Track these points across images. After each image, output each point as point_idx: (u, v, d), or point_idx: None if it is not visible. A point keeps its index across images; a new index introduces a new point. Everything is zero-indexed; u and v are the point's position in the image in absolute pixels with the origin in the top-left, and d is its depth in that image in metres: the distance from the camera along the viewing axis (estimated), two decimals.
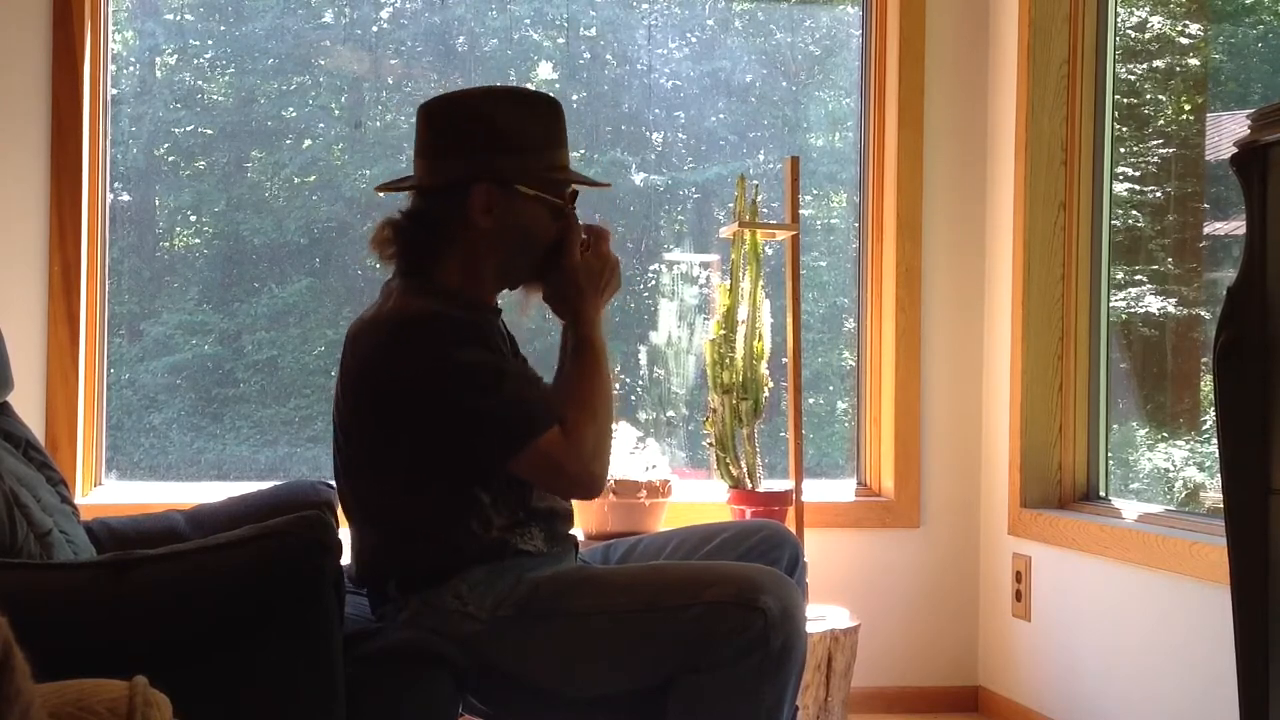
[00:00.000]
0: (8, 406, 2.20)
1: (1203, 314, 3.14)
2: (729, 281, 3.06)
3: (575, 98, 3.78)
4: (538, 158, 1.98)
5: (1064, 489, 3.22)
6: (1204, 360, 3.10)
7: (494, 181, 1.95)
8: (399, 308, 1.94)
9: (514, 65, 3.74)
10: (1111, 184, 3.22)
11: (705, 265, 3.64)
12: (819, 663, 2.81)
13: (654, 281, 3.68)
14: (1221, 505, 1.66)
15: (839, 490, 3.50)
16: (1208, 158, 3.19)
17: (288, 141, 3.70)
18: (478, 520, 1.91)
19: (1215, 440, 1.64)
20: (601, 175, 3.48)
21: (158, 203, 3.63)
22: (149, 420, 3.50)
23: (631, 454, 2.98)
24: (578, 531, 2.37)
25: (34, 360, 3.10)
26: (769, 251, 3.23)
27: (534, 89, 2.07)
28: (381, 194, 2.11)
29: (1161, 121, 3.37)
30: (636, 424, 3.34)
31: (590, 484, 1.92)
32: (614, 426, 2.01)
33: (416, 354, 1.86)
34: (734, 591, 1.79)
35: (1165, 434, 3.29)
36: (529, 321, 2.24)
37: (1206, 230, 3.22)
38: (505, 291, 2.09)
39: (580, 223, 2.03)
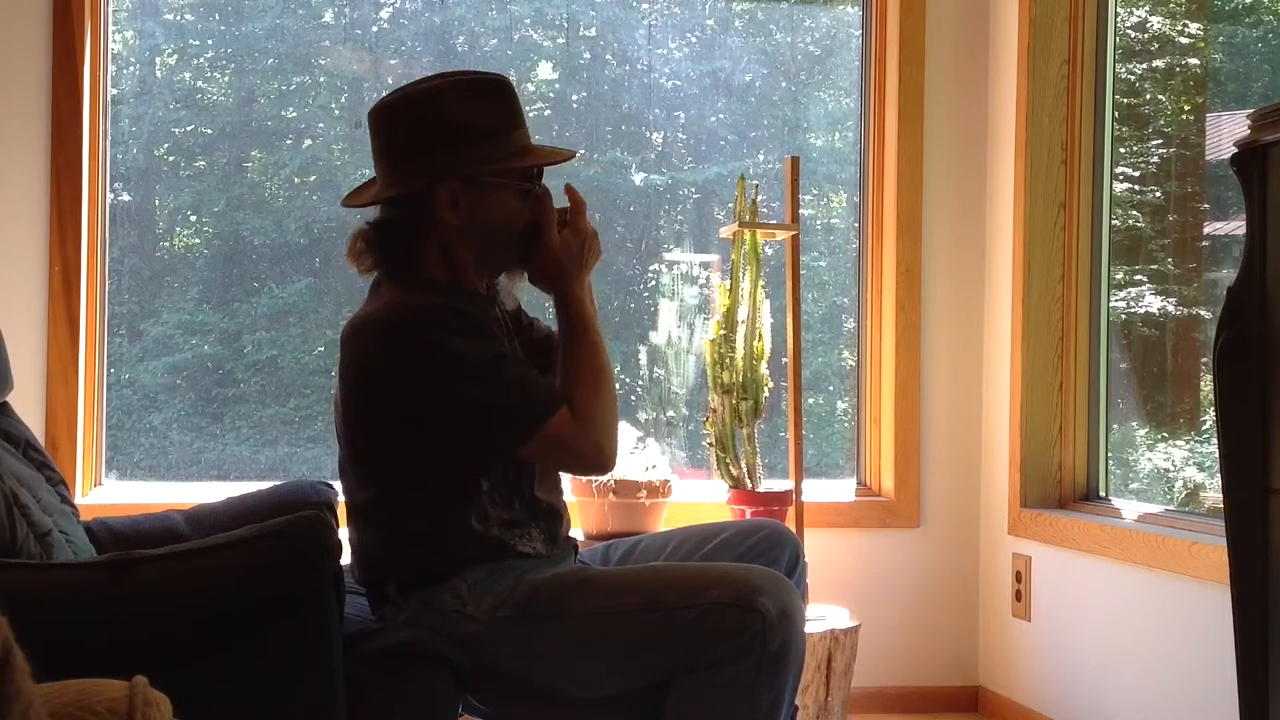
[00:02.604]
0: (8, 406, 2.20)
1: (1203, 314, 3.14)
2: (729, 281, 3.06)
3: (575, 98, 3.79)
4: (495, 144, 1.96)
5: (1064, 489, 3.22)
6: (1204, 360, 3.10)
7: (456, 178, 1.94)
8: (388, 304, 1.94)
9: (514, 65, 3.74)
10: (1111, 184, 3.22)
11: (705, 265, 3.64)
12: (819, 663, 2.81)
13: (654, 281, 3.68)
14: (1221, 505, 1.66)
15: (839, 490, 3.50)
16: (1208, 158, 3.19)
17: (288, 141, 3.70)
18: (478, 515, 1.91)
19: (1215, 440, 1.64)
20: (601, 175, 3.48)
21: (158, 203, 3.63)
22: (149, 420, 3.50)
23: (631, 454, 2.98)
24: (577, 532, 2.37)
25: (34, 360, 3.10)
26: (769, 251, 3.23)
27: (481, 71, 2.03)
28: (350, 208, 2.10)
29: (1161, 121, 3.37)
30: (636, 424, 3.34)
31: (603, 461, 1.92)
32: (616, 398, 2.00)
33: (411, 347, 1.86)
34: (732, 593, 1.79)
35: (1165, 434, 3.29)
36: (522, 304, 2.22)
37: (1206, 230, 3.21)
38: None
39: (552, 200, 2.02)
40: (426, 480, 1.92)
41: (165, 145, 3.60)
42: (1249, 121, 1.59)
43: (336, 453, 2.04)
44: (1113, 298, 3.23)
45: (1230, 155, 1.61)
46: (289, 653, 1.67)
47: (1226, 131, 3.08)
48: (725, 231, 3.10)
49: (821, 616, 2.94)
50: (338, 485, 2.15)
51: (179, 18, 3.60)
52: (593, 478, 2.84)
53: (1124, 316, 3.29)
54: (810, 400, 3.64)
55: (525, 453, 1.89)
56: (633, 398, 3.54)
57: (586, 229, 2.00)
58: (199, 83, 3.65)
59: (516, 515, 1.95)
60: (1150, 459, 3.30)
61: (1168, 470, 3.24)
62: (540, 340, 2.13)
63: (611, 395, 1.95)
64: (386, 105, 1.99)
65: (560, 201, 2.02)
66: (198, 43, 3.64)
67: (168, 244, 3.67)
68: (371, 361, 1.89)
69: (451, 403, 1.85)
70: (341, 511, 2.07)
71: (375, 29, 3.67)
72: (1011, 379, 3.26)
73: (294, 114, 3.70)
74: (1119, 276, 3.26)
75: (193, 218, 3.69)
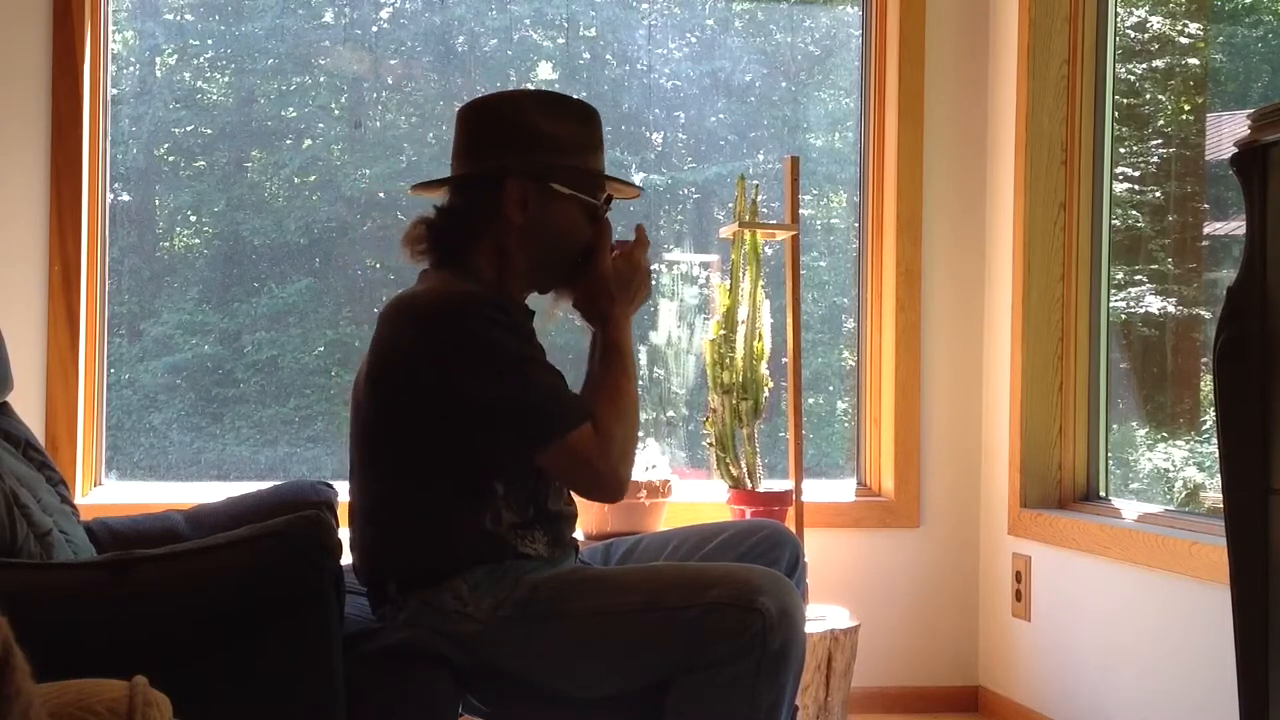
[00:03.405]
0: (7, 406, 2.20)
1: (1203, 314, 3.14)
2: (729, 281, 3.06)
3: (575, 98, 3.78)
4: (573, 158, 1.98)
5: (1064, 489, 3.22)
6: (1204, 360, 3.10)
7: (529, 177, 1.94)
8: (435, 290, 1.93)
9: (514, 65, 3.74)
10: (1111, 184, 3.22)
11: (705, 265, 3.64)
12: (819, 663, 2.81)
13: (654, 281, 3.68)
14: (1221, 505, 1.66)
15: (839, 490, 3.50)
16: (1208, 158, 3.19)
17: (288, 141, 3.70)
18: (491, 515, 1.91)
19: (1215, 440, 1.64)
20: None
21: (158, 203, 3.63)
22: (149, 420, 3.50)
23: None
24: (577, 532, 2.37)
25: (34, 360, 3.10)
26: (769, 251, 3.23)
27: (571, 95, 2.09)
28: (416, 195, 2.09)
29: (1161, 121, 3.37)
30: None
31: (616, 486, 1.90)
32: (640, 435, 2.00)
33: (451, 334, 1.85)
34: (732, 593, 1.79)
35: (1165, 434, 3.29)
36: (553, 332, 2.23)
37: (1206, 230, 3.21)
38: (536, 297, 2.08)
39: (612, 229, 2.04)
40: (434, 479, 1.91)
41: (165, 145, 3.60)
42: (1249, 121, 1.59)
43: (336, 453, 2.04)
44: (1113, 298, 3.23)
45: (1230, 155, 1.61)
46: (289, 653, 1.67)
47: (1226, 131, 3.08)
48: (725, 231, 3.10)
49: (821, 616, 2.94)
50: (338, 485, 2.15)
51: (179, 18, 3.60)
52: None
53: (1124, 316, 3.29)
54: (810, 400, 3.64)
55: (542, 461, 1.87)
56: None
57: (640, 262, 2.01)
58: (199, 83, 3.65)
59: (527, 518, 1.94)
60: (1150, 459, 3.30)
61: (1168, 470, 3.24)
62: None
63: (634, 427, 1.93)
64: (475, 104, 2.02)
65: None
66: (198, 43, 3.64)
67: (168, 244, 3.67)
68: (407, 343, 1.88)
69: (479, 394, 1.83)
70: (342, 511, 2.07)
71: (375, 29, 3.67)
72: (1011, 379, 3.26)
73: (294, 114, 3.70)
74: (1119, 276, 3.26)
75: (193, 218, 3.69)
